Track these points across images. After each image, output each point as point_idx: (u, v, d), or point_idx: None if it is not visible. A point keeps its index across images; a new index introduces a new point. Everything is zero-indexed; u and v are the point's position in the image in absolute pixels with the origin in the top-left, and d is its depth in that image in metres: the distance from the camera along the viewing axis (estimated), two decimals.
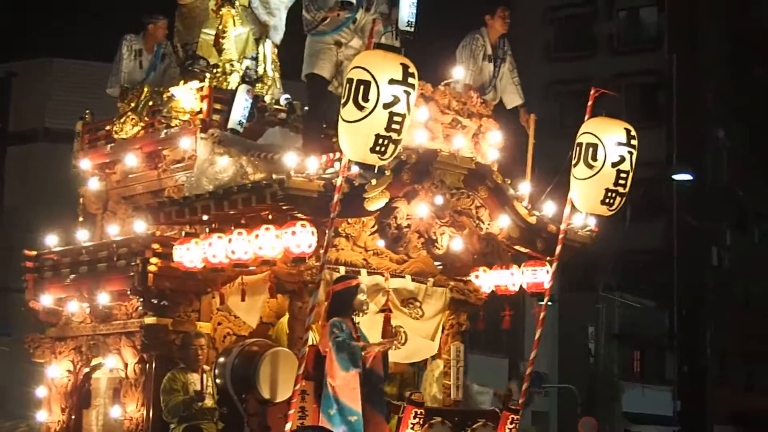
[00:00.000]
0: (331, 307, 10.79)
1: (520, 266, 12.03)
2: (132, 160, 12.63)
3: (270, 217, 10.64)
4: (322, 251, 10.35)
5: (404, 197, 11.00)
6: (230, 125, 11.88)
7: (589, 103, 11.41)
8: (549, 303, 11.82)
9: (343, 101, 9.69)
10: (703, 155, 42.06)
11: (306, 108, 12.49)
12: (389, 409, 11.05)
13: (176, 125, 12.14)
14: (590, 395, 34.65)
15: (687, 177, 34.28)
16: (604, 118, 11.23)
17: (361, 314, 10.99)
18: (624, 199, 11.19)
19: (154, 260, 11.35)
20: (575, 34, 44.44)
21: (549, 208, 11.81)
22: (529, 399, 11.90)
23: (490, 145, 11.53)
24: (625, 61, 43.18)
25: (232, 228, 10.71)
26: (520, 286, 12.03)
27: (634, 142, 11.08)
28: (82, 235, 12.59)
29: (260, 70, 12.97)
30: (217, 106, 12.01)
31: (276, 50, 13.18)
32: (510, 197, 11.59)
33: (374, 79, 9.58)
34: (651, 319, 41.27)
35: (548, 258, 11.88)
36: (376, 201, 10.67)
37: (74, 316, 12.41)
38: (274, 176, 10.26)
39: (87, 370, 12.34)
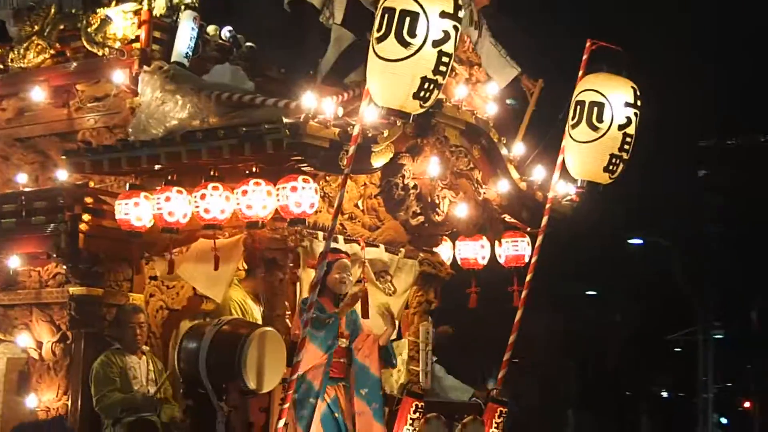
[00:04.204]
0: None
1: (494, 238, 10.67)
2: (36, 94, 10.32)
3: (254, 169, 8.79)
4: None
5: (408, 153, 9.37)
6: (174, 58, 9.84)
7: (584, 56, 10.16)
8: None
9: (378, 35, 8.03)
10: None
11: (249, 44, 10.64)
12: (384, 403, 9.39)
13: (104, 54, 9.99)
14: None
15: None
16: (608, 74, 9.99)
17: (340, 296, 9.29)
18: (625, 166, 10.02)
19: (86, 217, 9.27)
20: None
21: (538, 173, 10.44)
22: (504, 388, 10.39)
23: (486, 99, 9.99)
24: None
25: (203, 181, 8.83)
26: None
27: (639, 103, 9.93)
28: None
29: None
30: (156, 34, 9.95)
31: None
32: (504, 158, 10.14)
33: (423, 10, 7.98)
34: None
35: (528, 229, 10.61)
36: (381, 155, 8.96)
37: None
38: (284, 120, 8.40)
39: None
